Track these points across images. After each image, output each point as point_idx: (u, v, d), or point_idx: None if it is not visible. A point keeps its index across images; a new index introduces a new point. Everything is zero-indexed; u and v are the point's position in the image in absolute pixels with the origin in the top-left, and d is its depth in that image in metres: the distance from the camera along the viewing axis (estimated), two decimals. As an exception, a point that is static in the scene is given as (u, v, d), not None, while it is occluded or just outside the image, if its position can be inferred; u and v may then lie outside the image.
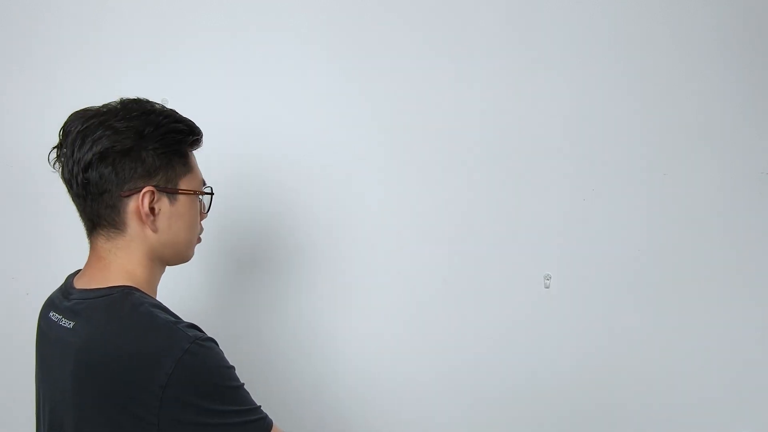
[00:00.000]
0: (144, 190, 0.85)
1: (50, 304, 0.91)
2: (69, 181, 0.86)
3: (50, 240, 1.37)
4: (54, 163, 0.87)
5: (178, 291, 1.42)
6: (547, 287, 1.46)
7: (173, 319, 0.82)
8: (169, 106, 1.38)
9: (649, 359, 1.47)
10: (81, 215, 0.89)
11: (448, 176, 1.44)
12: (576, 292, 1.46)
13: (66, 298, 0.87)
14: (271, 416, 0.85)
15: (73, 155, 0.84)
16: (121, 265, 0.87)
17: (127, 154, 0.84)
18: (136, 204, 0.85)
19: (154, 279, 0.91)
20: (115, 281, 0.85)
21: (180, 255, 0.94)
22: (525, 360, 1.46)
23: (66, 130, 0.85)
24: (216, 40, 1.40)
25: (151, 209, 0.86)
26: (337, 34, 1.43)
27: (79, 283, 0.88)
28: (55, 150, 0.87)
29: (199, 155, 0.98)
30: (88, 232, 0.89)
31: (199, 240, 0.98)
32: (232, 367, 0.82)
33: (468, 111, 1.44)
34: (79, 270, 0.92)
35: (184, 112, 0.95)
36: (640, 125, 1.46)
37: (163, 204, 0.88)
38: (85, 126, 0.84)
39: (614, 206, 1.46)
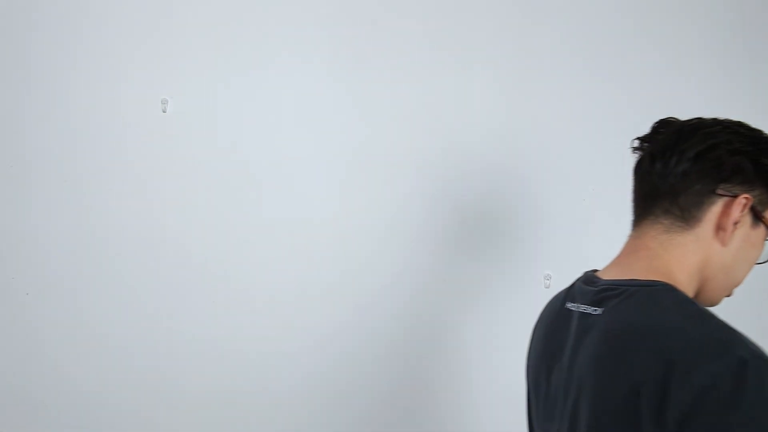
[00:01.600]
0: (742, 196, 0.80)
1: (562, 298, 0.91)
2: (652, 173, 0.85)
3: (51, 240, 1.37)
4: (635, 151, 0.91)
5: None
6: (547, 287, 1.46)
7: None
8: (169, 106, 1.40)
9: (649, 359, 1.47)
10: (639, 201, 0.87)
11: (448, 176, 1.44)
12: (576, 292, 1.46)
13: (590, 286, 0.85)
14: None
15: (676, 146, 0.83)
16: (668, 261, 0.81)
17: (733, 154, 0.80)
18: (722, 209, 0.81)
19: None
20: (657, 276, 0.79)
21: (717, 288, 0.86)
22: (524, 360, 1.46)
23: (666, 123, 0.90)
24: (217, 39, 1.40)
25: (735, 222, 0.81)
26: (339, 33, 1.43)
27: (608, 274, 0.85)
28: (638, 141, 0.91)
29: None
30: (640, 219, 0.86)
31: (730, 293, 0.88)
32: None
33: (468, 110, 1.45)
34: (595, 270, 0.89)
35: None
36: (641, 125, 1.46)
37: (745, 223, 0.82)
38: (696, 122, 0.85)
39: (614, 206, 1.46)
